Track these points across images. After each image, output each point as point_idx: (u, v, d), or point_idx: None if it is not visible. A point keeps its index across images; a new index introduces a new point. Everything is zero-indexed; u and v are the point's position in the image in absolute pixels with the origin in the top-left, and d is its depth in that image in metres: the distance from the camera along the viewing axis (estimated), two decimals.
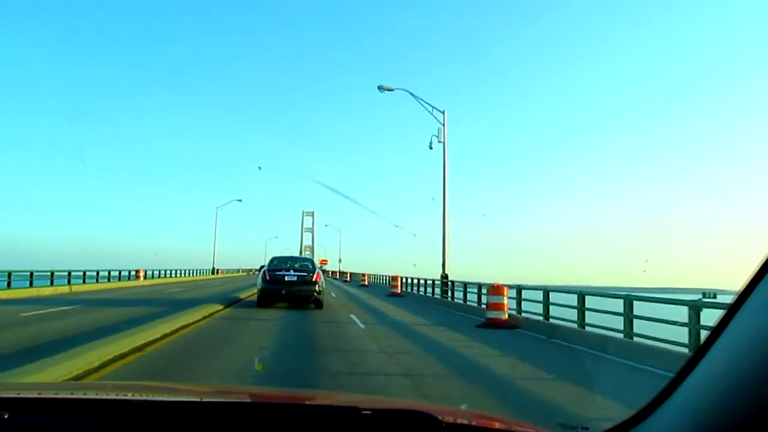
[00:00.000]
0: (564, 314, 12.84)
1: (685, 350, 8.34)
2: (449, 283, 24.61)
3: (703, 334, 7.66)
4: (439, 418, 1.36)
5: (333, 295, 28.14)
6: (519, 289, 15.20)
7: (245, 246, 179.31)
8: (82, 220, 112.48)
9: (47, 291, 24.35)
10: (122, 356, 8.04)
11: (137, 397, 1.86)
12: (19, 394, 1.72)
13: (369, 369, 7.92)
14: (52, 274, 26.51)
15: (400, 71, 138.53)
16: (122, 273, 35.62)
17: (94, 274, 30.97)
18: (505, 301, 13.78)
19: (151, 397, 1.86)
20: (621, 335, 10.04)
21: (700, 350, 1.01)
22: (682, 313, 8.69)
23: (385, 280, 42.26)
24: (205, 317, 14.17)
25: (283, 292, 17.43)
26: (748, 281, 0.93)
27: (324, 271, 39.27)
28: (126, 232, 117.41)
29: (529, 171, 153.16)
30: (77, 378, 6.54)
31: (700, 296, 11.33)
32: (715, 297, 11.51)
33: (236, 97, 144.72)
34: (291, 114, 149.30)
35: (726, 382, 0.92)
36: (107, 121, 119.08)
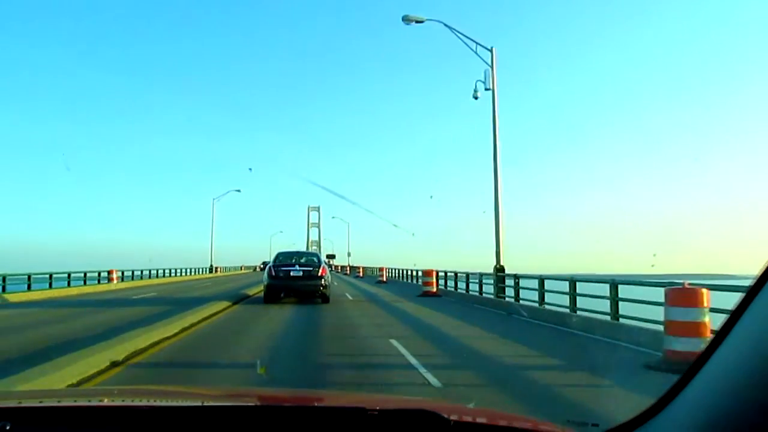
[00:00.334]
0: None
1: None
2: (506, 278, 18.11)
3: None
4: (446, 416, 1.34)
5: (349, 297, 21.67)
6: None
7: (251, 242, 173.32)
8: (79, 223, 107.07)
9: None
10: None
11: (142, 402, 1.81)
12: (20, 402, 1.69)
13: None
14: None
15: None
16: (89, 274, 29.00)
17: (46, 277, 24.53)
18: (703, 318, 7.08)
19: (155, 403, 1.80)
20: None
21: (714, 341, 0.97)
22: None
23: (404, 275, 35.69)
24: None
25: (289, 287, 17.15)
26: (765, 268, 0.88)
27: (330, 267, 38.17)
28: (124, 232, 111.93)
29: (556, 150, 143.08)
30: None
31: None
32: None
33: (235, 96, 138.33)
34: (292, 111, 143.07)
35: (741, 375, 0.89)
36: (104, 123, 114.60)
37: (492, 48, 19.50)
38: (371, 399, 2.51)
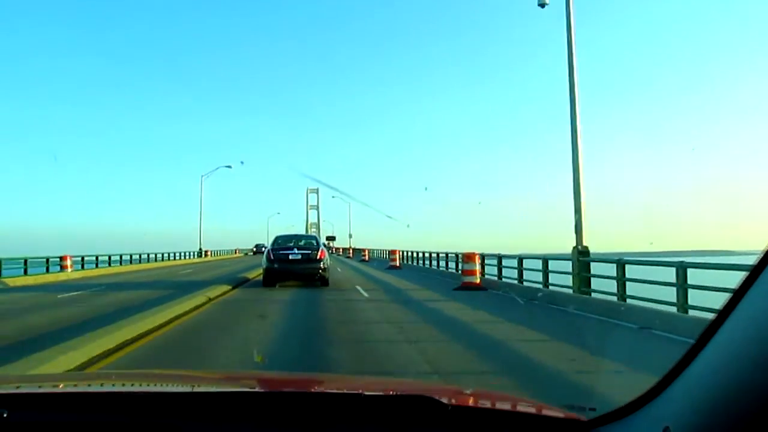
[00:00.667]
0: None
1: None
2: (590, 264, 12.36)
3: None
4: (444, 401, 1.31)
5: (362, 291, 15.98)
6: None
7: (249, 225, 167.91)
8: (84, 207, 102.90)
9: None
10: None
11: (141, 388, 1.81)
12: (18, 388, 1.66)
13: None
14: None
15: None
16: (30, 260, 23.10)
17: None
18: None
19: (152, 389, 1.79)
20: None
21: (714, 323, 0.90)
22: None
23: (417, 258, 30.01)
24: None
25: (288, 271, 16.85)
26: None
27: (330, 249, 35.42)
28: (119, 217, 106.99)
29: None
30: None
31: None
32: None
33: (234, 81, 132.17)
34: (292, 94, 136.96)
35: (743, 357, 0.82)
36: (103, 108, 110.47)
37: None
38: (370, 383, 2.46)
